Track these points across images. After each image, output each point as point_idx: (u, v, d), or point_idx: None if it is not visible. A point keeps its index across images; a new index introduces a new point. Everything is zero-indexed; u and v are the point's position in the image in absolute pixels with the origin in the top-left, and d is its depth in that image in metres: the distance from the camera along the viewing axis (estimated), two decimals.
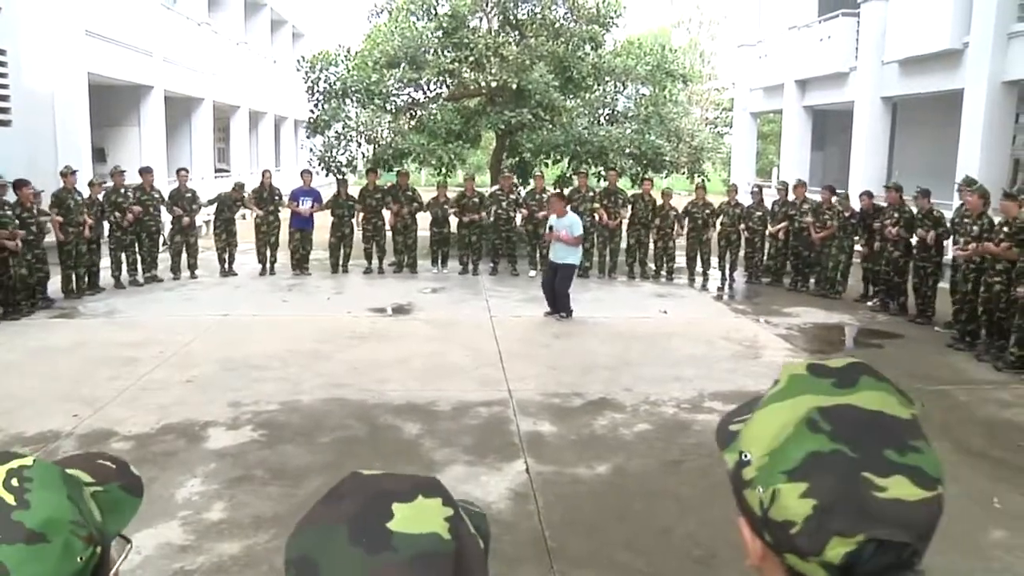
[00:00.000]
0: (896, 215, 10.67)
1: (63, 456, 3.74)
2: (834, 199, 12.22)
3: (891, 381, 0.84)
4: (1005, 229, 8.38)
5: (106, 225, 11.94)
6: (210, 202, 13.22)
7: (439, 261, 13.93)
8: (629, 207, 13.46)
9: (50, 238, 10.64)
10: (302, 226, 13.44)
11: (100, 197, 11.73)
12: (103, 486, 0.90)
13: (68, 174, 11.01)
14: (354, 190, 14.24)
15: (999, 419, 6.77)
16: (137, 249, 12.23)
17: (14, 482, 0.79)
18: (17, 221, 9.60)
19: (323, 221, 13.83)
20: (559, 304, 10.22)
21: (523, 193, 14.27)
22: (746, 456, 0.83)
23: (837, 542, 0.75)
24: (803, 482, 0.77)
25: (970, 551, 4.40)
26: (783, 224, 12.86)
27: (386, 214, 13.72)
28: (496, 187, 14.74)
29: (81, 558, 0.79)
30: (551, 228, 10.19)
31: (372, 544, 0.73)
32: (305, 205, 13.38)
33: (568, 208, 10.51)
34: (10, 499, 0.77)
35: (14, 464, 0.81)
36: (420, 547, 0.74)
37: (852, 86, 18.02)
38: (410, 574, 0.72)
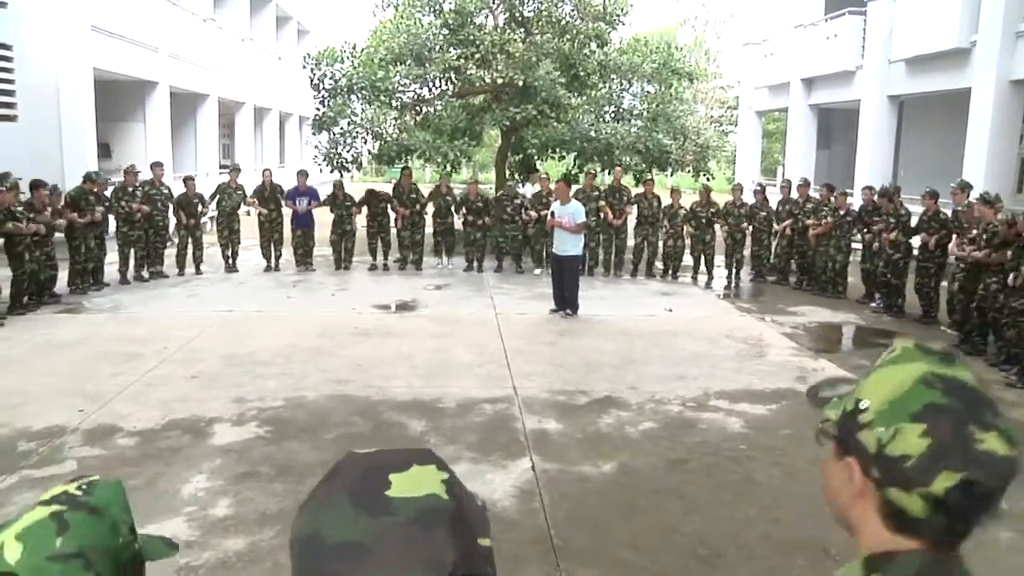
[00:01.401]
0: (893, 220, 10.65)
1: (68, 451, 3.68)
2: (832, 197, 12.21)
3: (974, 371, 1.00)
4: (984, 236, 8.42)
5: (112, 221, 11.94)
6: (211, 197, 13.23)
7: (443, 254, 13.91)
8: (635, 206, 13.45)
9: (58, 235, 10.64)
10: (303, 225, 13.45)
11: (107, 193, 11.73)
12: (148, 536, 1.16)
13: (94, 179, 11.15)
14: (353, 188, 14.23)
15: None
16: (143, 244, 12.24)
17: (84, 485, 1.08)
18: (28, 218, 9.62)
19: (325, 219, 13.82)
20: (568, 300, 10.20)
21: (528, 196, 14.27)
22: (864, 404, 0.98)
23: (945, 476, 0.90)
24: (923, 423, 0.92)
25: (975, 553, 4.36)
26: (788, 222, 12.84)
27: (391, 214, 13.73)
28: (501, 192, 14.66)
29: (123, 538, 1.06)
30: (553, 214, 10.18)
31: (372, 509, 0.76)
32: (302, 204, 13.37)
33: (571, 197, 10.53)
34: (78, 493, 1.06)
35: (87, 478, 1.10)
36: (418, 506, 0.77)
37: (858, 85, 17.97)
38: (411, 532, 0.74)
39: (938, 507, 0.92)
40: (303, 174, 13.65)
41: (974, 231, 8.91)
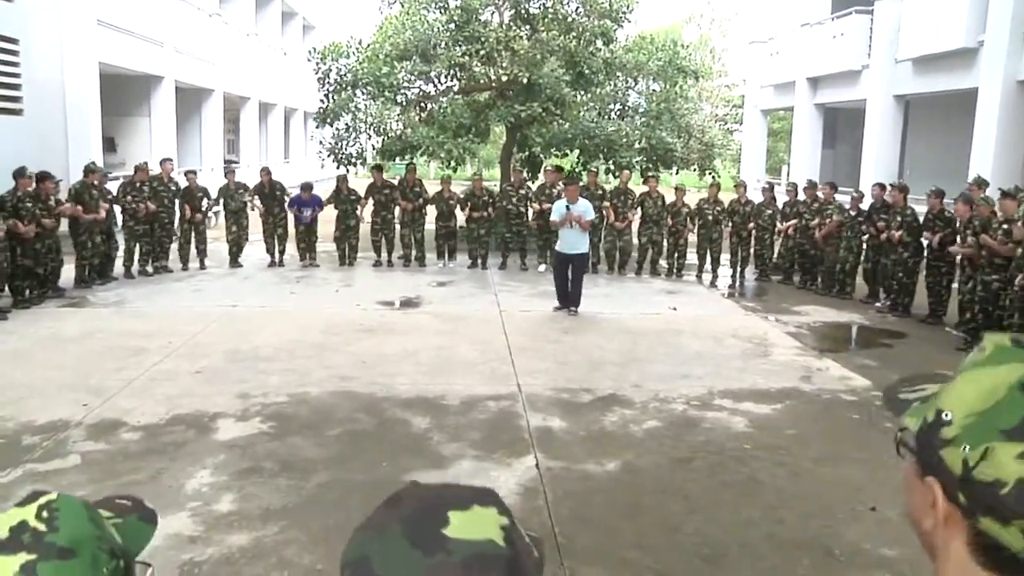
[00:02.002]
0: (900, 218, 10.61)
1: (72, 445, 3.70)
2: (837, 196, 12.19)
3: None
4: (1004, 227, 8.37)
5: (119, 215, 11.95)
6: (215, 200, 13.23)
7: (445, 255, 13.91)
8: (638, 208, 13.44)
9: (63, 228, 10.66)
10: (304, 222, 13.46)
11: (110, 187, 11.75)
12: (122, 518, 1.02)
13: (94, 171, 11.13)
14: (359, 184, 14.24)
15: None
16: (150, 239, 12.26)
17: (44, 514, 0.92)
18: (35, 212, 9.64)
19: (328, 215, 13.83)
20: (574, 297, 10.18)
21: (533, 188, 14.25)
22: (947, 415, 0.81)
23: None
24: (1020, 442, 0.75)
25: None
26: (793, 221, 12.81)
27: (396, 209, 13.73)
28: (506, 185, 14.69)
29: (107, 569, 0.92)
30: (568, 207, 10.09)
31: (427, 546, 0.75)
32: (305, 213, 13.36)
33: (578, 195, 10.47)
34: (42, 527, 0.90)
35: (42, 500, 0.94)
36: (474, 550, 0.75)
37: (864, 84, 17.92)
38: (463, 575, 0.73)
39: None
40: (307, 188, 13.53)
41: (968, 230, 8.93)
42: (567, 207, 10.11)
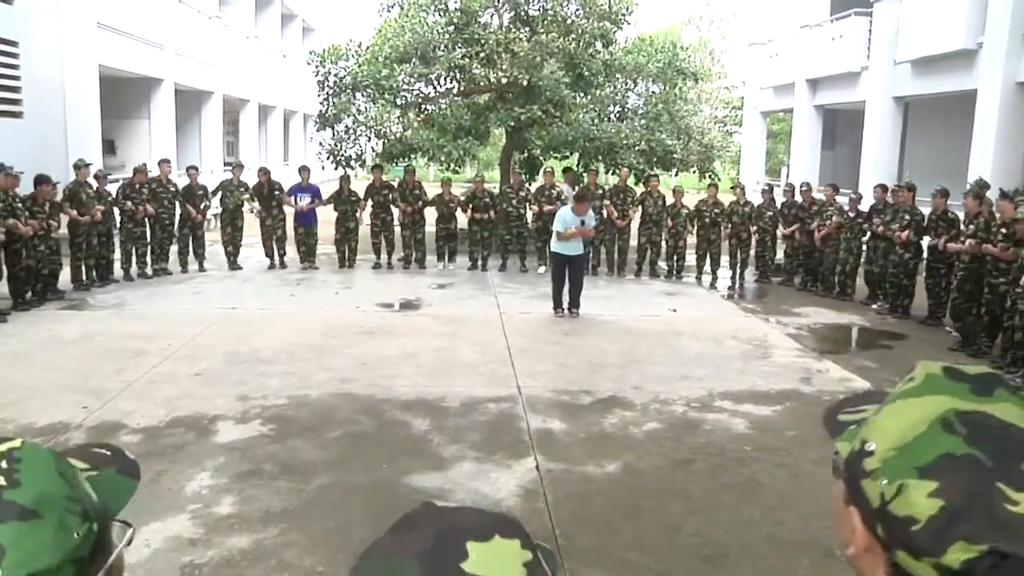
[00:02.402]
0: (908, 218, 10.60)
1: (70, 448, 3.66)
2: (838, 198, 12.19)
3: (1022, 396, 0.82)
4: (1003, 230, 8.37)
5: (118, 217, 11.95)
6: (213, 193, 13.22)
7: (445, 257, 13.91)
8: (639, 206, 13.44)
9: (62, 230, 10.66)
10: (305, 222, 13.42)
11: (109, 188, 11.76)
12: (98, 470, 0.90)
13: (81, 167, 11.08)
14: (359, 185, 14.26)
15: None
16: (148, 241, 12.27)
17: (3, 464, 0.78)
18: (28, 213, 9.63)
19: (328, 216, 13.83)
20: (573, 298, 10.18)
21: (532, 190, 14.26)
22: (869, 446, 0.81)
23: (961, 547, 0.72)
24: (933, 481, 0.74)
25: None
26: (795, 226, 12.80)
27: (394, 210, 13.73)
28: (506, 187, 14.70)
29: (77, 534, 0.78)
30: (583, 222, 10.09)
31: None
32: (303, 201, 13.35)
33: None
34: (1, 480, 0.77)
35: (2, 447, 0.80)
36: None
37: (864, 86, 17.93)
38: None
39: None
40: (305, 170, 13.62)
41: (971, 227, 8.92)
42: (581, 222, 10.09)
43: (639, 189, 14.25)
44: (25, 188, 9.85)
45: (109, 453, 0.95)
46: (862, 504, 0.81)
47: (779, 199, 13.68)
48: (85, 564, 0.79)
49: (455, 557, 0.69)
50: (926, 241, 10.38)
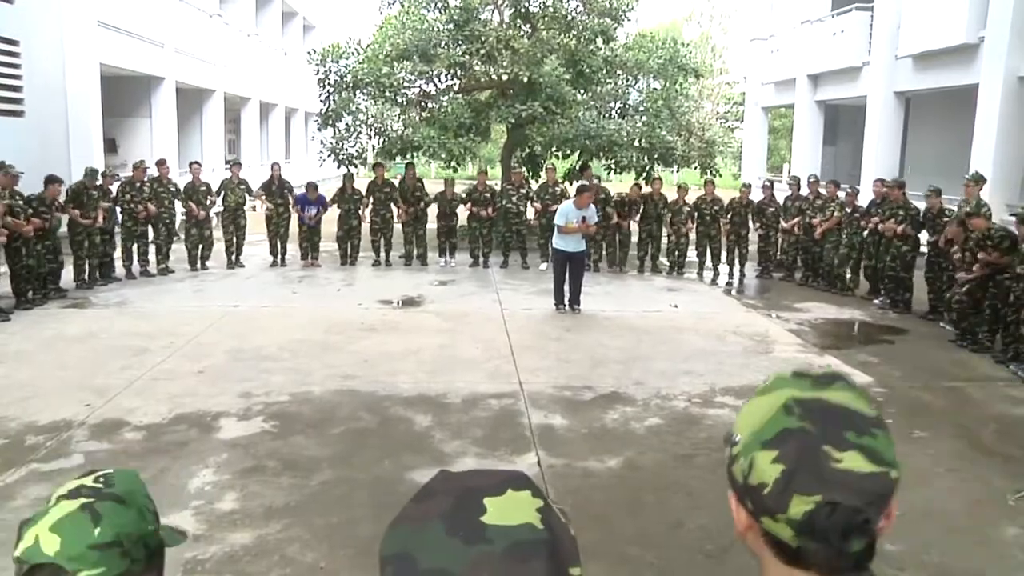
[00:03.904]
0: (902, 212, 10.60)
1: (74, 445, 3.69)
2: (839, 193, 12.19)
3: (861, 389, 0.97)
4: (989, 243, 8.47)
5: (119, 215, 11.98)
6: (216, 192, 13.24)
7: (447, 252, 13.92)
8: (640, 209, 13.47)
9: (62, 229, 10.68)
10: (308, 223, 13.47)
11: (112, 188, 11.79)
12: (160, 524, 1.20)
13: (90, 174, 11.13)
14: (361, 183, 14.26)
15: (1012, 416, 6.72)
16: (150, 240, 12.29)
17: (100, 478, 1.12)
18: (31, 210, 9.65)
19: (331, 214, 13.84)
20: (573, 294, 10.19)
21: (534, 187, 14.27)
22: (736, 438, 0.97)
23: (798, 500, 0.88)
24: (775, 450, 0.91)
25: (984, 548, 4.37)
26: (796, 220, 12.80)
27: (394, 209, 13.75)
28: (506, 183, 14.71)
29: (150, 525, 1.12)
30: (584, 219, 10.09)
31: (468, 536, 0.76)
32: (310, 212, 13.38)
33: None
34: (99, 485, 1.11)
35: (99, 472, 1.14)
36: (514, 537, 0.76)
37: (865, 81, 17.90)
38: (506, 563, 0.74)
39: (802, 531, 0.88)
40: (313, 187, 13.56)
41: (971, 242, 8.98)
42: (583, 218, 10.09)
43: (643, 186, 14.23)
44: (26, 187, 9.85)
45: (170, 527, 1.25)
46: (735, 486, 0.97)
47: (781, 195, 13.68)
48: (151, 554, 1.12)
49: (475, 512, 0.77)
50: (924, 236, 10.39)
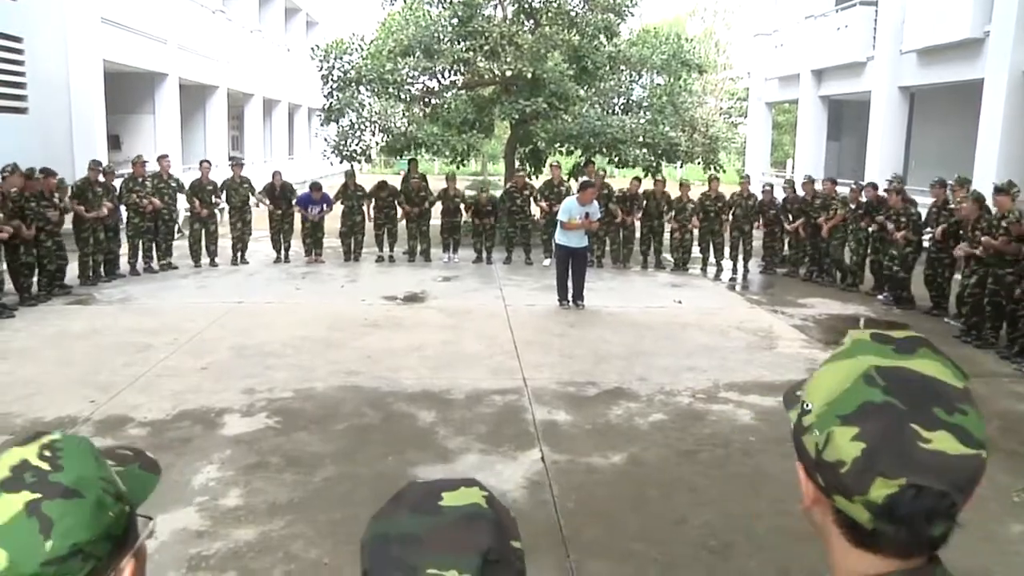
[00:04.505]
0: (904, 219, 10.56)
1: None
2: (838, 189, 12.18)
3: (947, 356, 0.90)
4: (1004, 224, 8.35)
5: (123, 212, 12.00)
6: (220, 189, 13.23)
7: (450, 248, 13.92)
8: (643, 206, 13.45)
9: (67, 225, 10.69)
10: (312, 219, 13.48)
11: (116, 184, 11.81)
12: (123, 466, 1.01)
13: (94, 168, 11.16)
14: (363, 179, 14.25)
15: (1017, 412, 6.71)
16: (154, 236, 12.31)
17: (47, 453, 0.91)
18: (39, 209, 9.68)
19: (334, 211, 13.83)
20: (576, 290, 10.18)
21: (537, 185, 14.25)
22: (808, 406, 0.91)
23: (881, 483, 0.82)
24: (855, 426, 0.84)
25: (988, 545, 4.36)
26: (800, 221, 12.77)
27: (398, 209, 13.75)
28: (509, 185, 14.68)
29: (112, 512, 0.91)
30: (587, 215, 10.07)
31: (427, 512, 0.90)
32: (315, 211, 13.39)
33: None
34: (45, 465, 0.89)
35: (45, 440, 0.93)
36: (464, 511, 0.91)
37: (869, 76, 17.86)
38: (458, 528, 0.89)
39: (881, 515, 0.83)
40: (316, 188, 13.55)
41: (977, 232, 8.89)
42: (586, 214, 10.08)
43: (647, 182, 14.20)
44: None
45: (131, 452, 1.08)
46: (804, 458, 0.91)
47: (780, 194, 13.65)
48: (118, 542, 0.93)
49: (434, 499, 0.92)
50: (927, 237, 10.37)
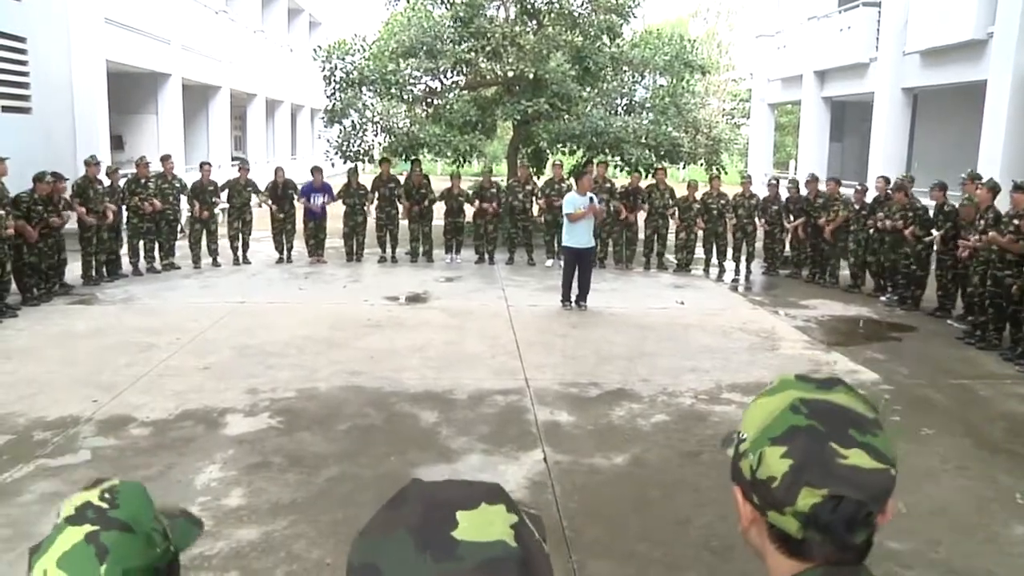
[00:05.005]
0: (911, 214, 10.54)
1: (81, 441, 3.69)
2: (842, 190, 12.16)
3: (859, 393, 1.03)
4: (1015, 222, 8.30)
5: (125, 212, 12.02)
6: (222, 189, 13.24)
7: (453, 249, 13.92)
8: (646, 202, 13.44)
9: (70, 225, 10.71)
10: (315, 217, 13.47)
11: (121, 184, 11.83)
12: (171, 519, 1.14)
13: (92, 164, 11.14)
14: (367, 179, 14.27)
15: (1020, 413, 6.70)
16: (156, 236, 12.32)
17: (107, 495, 1.06)
18: (45, 214, 9.71)
19: (336, 210, 13.85)
20: (583, 291, 10.18)
21: (540, 183, 14.25)
22: (743, 435, 1.02)
23: (807, 493, 0.93)
24: (783, 446, 0.96)
25: (992, 546, 4.35)
26: (800, 220, 12.76)
27: (399, 206, 13.75)
28: (512, 180, 14.70)
29: (159, 548, 1.05)
30: (592, 200, 10.03)
31: (437, 551, 0.72)
32: (318, 201, 13.39)
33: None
34: (105, 504, 1.05)
35: (105, 485, 1.09)
36: (486, 555, 0.73)
37: (872, 77, 17.84)
38: None
39: (808, 524, 0.94)
40: (318, 170, 13.61)
41: (982, 221, 8.84)
42: (591, 199, 10.06)
43: (648, 180, 14.21)
44: (22, 185, 9.83)
45: (179, 511, 1.21)
46: (741, 481, 1.02)
47: (784, 194, 13.64)
48: (163, 574, 1.06)
49: (446, 526, 0.74)
50: (929, 238, 10.35)
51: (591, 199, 10.09)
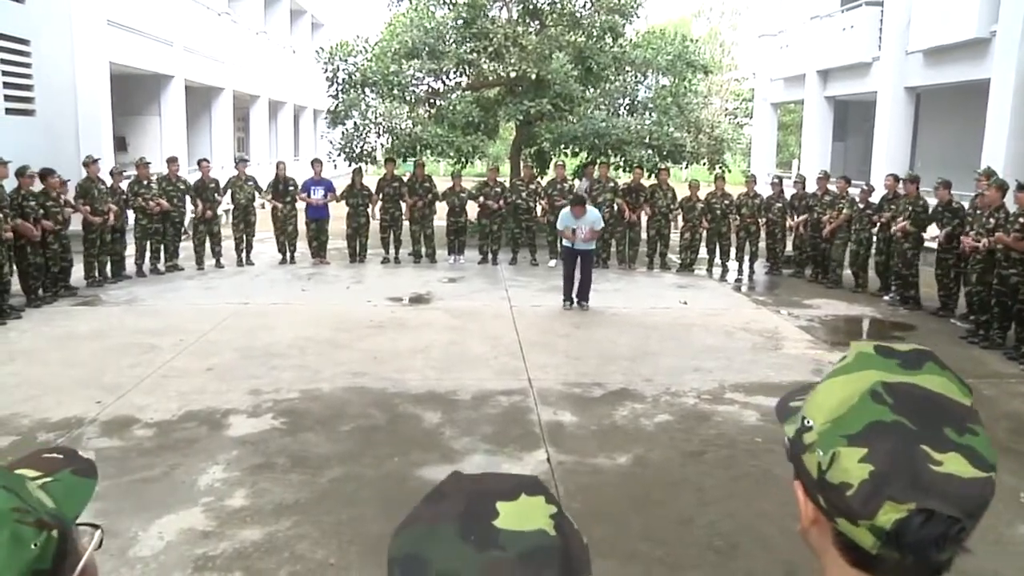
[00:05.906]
0: (911, 208, 10.53)
1: (85, 442, 3.71)
2: (850, 190, 12.13)
3: (953, 371, 0.87)
4: (1021, 220, 8.28)
5: (131, 214, 12.04)
6: (224, 189, 13.25)
7: (455, 250, 13.93)
8: (649, 202, 13.44)
9: (74, 226, 10.73)
10: (317, 216, 13.46)
11: (123, 186, 11.85)
12: (52, 476, 0.86)
13: (91, 163, 11.15)
14: (371, 180, 14.28)
15: None
16: (161, 237, 12.34)
17: None
18: (42, 211, 9.70)
19: (339, 211, 13.85)
20: (582, 290, 10.19)
21: (543, 183, 14.25)
22: (808, 422, 0.86)
23: (889, 507, 0.77)
24: (863, 447, 0.80)
25: (995, 547, 4.34)
26: (803, 217, 12.76)
27: (403, 205, 13.75)
28: (516, 178, 14.70)
29: (35, 544, 0.75)
30: (574, 231, 10.02)
31: (480, 541, 0.73)
32: (317, 195, 13.39)
33: (587, 206, 10.32)
34: None
35: None
36: (527, 544, 0.74)
37: (875, 76, 17.81)
38: (519, 570, 0.72)
39: (888, 542, 0.78)
40: (317, 162, 13.67)
41: (991, 220, 8.81)
42: (572, 231, 10.03)
43: (650, 181, 14.20)
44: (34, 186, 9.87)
45: (61, 456, 0.92)
46: (804, 477, 0.86)
47: (789, 191, 13.63)
48: (49, 574, 0.77)
49: (487, 516, 0.75)
50: (930, 231, 10.32)
51: (572, 231, 10.02)
